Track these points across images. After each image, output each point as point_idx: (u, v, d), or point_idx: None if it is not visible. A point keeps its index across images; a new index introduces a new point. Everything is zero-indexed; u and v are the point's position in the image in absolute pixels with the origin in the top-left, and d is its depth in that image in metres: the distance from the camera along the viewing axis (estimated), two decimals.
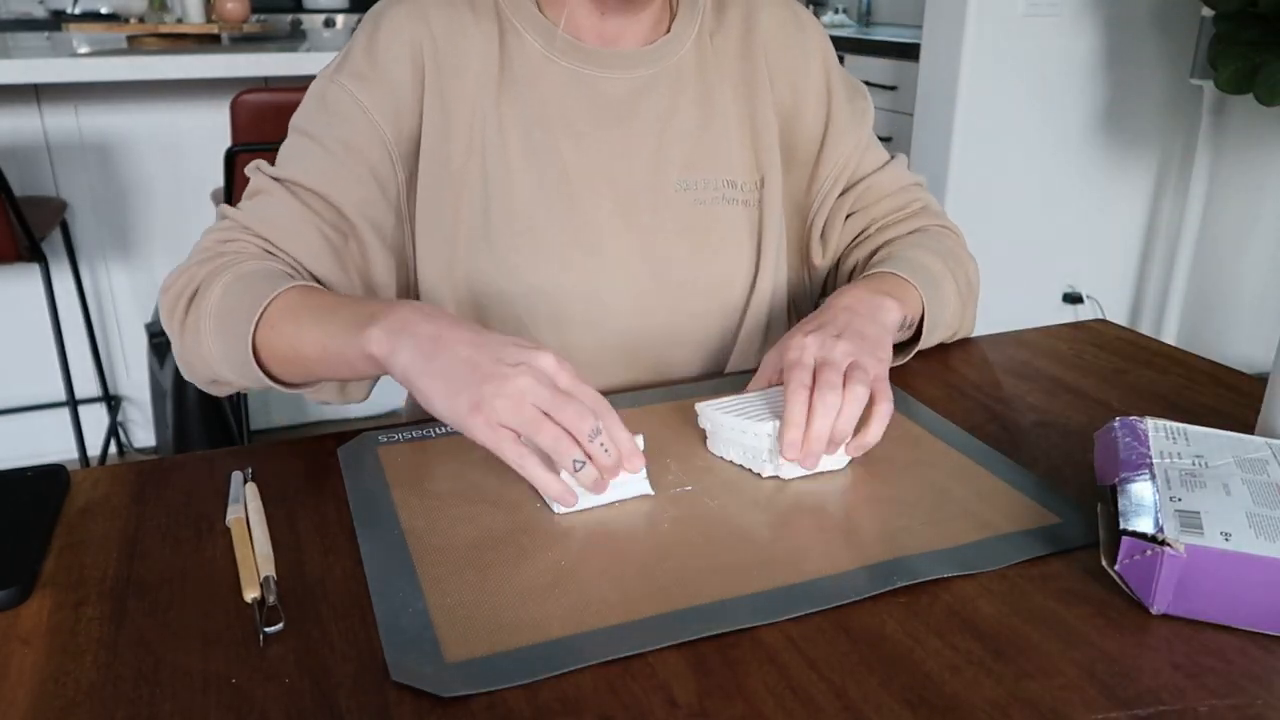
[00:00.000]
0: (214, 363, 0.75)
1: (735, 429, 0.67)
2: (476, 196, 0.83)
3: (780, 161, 0.91)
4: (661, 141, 0.86)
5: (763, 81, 0.90)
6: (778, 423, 0.65)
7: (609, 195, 0.85)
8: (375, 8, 0.84)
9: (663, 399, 0.80)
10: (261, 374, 0.72)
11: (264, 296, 0.71)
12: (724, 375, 0.88)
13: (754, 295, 0.91)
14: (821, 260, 0.96)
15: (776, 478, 0.67)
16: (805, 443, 0.64)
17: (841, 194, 0.94)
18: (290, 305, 0.71)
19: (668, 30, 0.88)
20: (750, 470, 0.68)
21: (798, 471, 0.67)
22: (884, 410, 0.67)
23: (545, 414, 0.59)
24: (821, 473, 0.67)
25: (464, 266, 0.85)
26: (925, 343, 0.85)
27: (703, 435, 0.71)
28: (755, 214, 0.90)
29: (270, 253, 0.79)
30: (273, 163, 0.83)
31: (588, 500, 0.63)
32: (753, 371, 0.78)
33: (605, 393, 0.82)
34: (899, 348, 0.83)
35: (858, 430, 0.66)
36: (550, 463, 0.60)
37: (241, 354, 0.71)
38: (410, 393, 0.88)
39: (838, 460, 0.68)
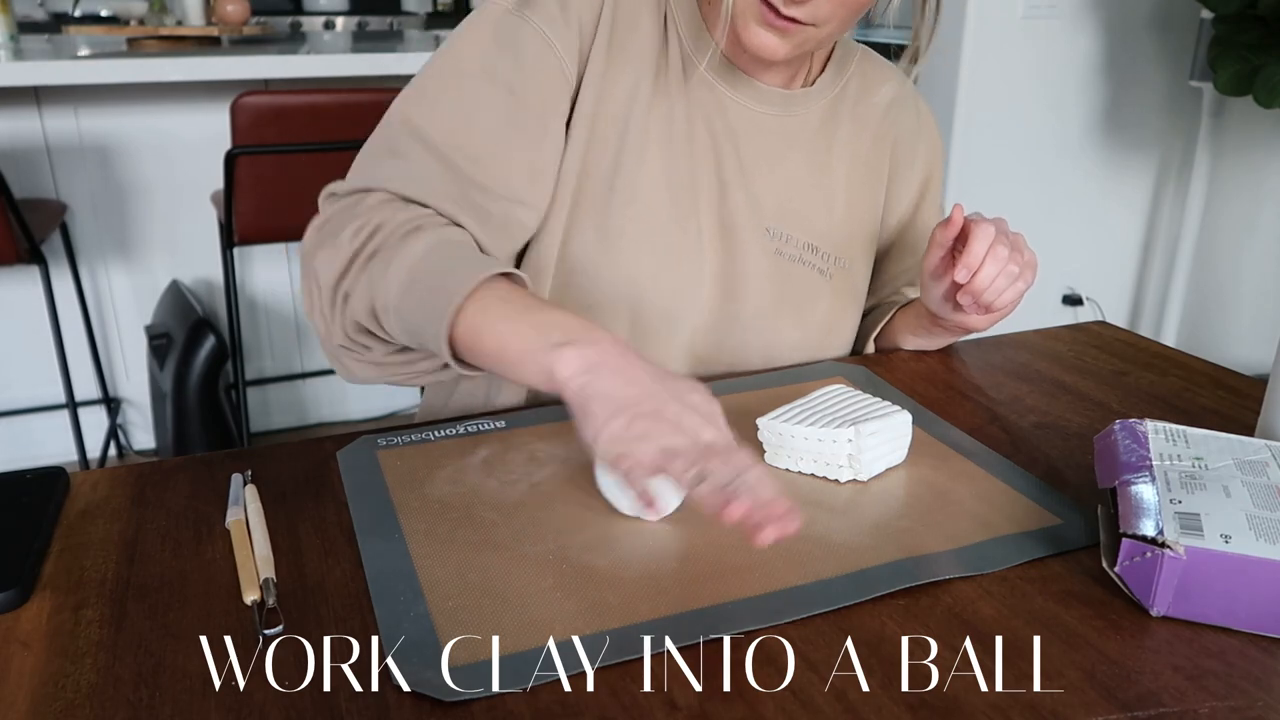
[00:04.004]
0: (382, 302, 0.68)
1: (811, 438, 0.67)
2: (606, 163, 0.82)
3: (866, 250, 0.94)
4: (767, 183, 0.87)
5: (882, 173, 0.94)
6: (856, 428, 0.66)
7: (711, 214, 0.85)
8: None
9: None
10: (447, 345, 0.65)
11: (474, 275, 0.65)
12: (723, 377, 0.88)
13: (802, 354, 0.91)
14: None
15: (855, 481, 0.67)
16: (973, 283, 0.78)
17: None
18: (486, 293, 0.65)
19: (813, 82, 0.89)
20: (825, 479, 0.67)
21: (874, 472, 0.67)
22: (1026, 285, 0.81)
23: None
24: (889, 469, 0.69)
25: (570, 229, 0.82)
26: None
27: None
28: (833, 289, 0.91)
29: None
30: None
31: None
32: (742, 374, 0.78)
33: None
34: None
35: None
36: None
37: (435, 320, 0.64)
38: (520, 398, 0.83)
39: (898, 455, 0.69)
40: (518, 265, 0.84)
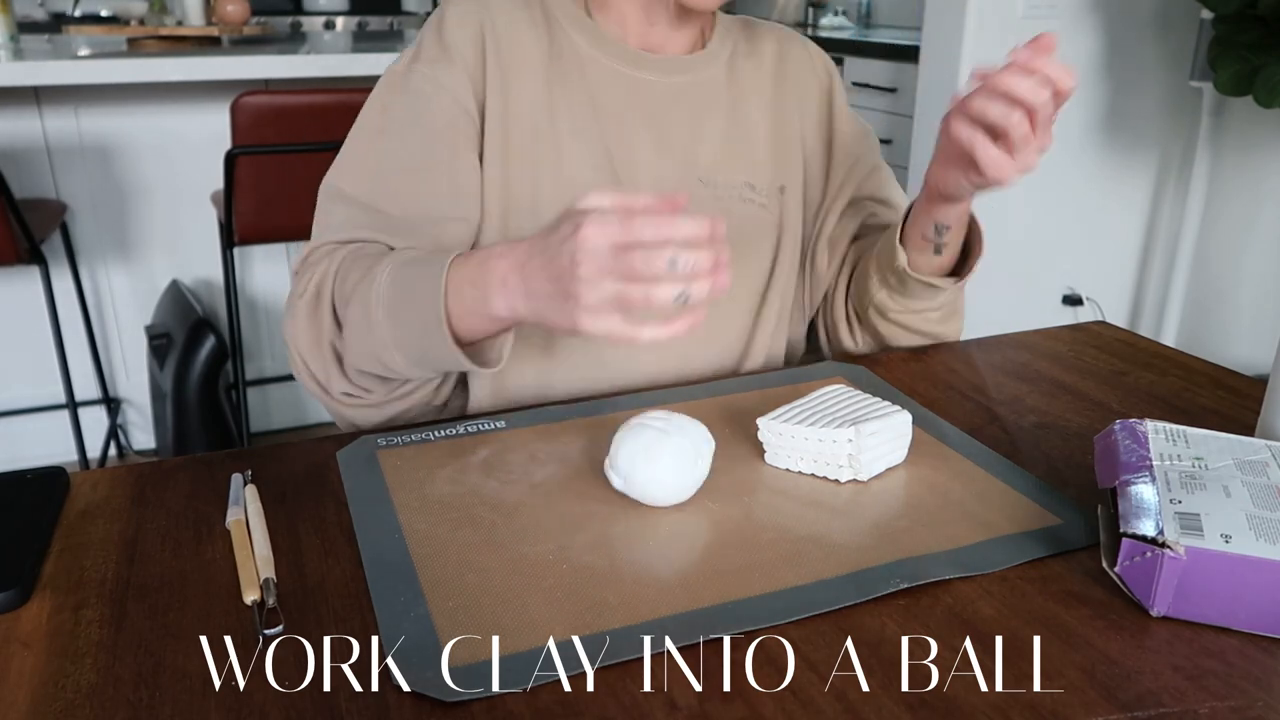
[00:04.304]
0: (381, 349, 0.74)
1: (811, 438, 0.67)
2: (528, 174, 0.86)
3: (802, 175, 0.97)
4: (690, 141, 0.91)
5: (791, 104, 0.96)
6: (856, 428, 0.66)
7: (645, 185, 0.89)
8: (439, 5, 0.88)
9: (683, 398, 0.80)
10: (453, 343, 0.70)
11: (434, 286, 0.70)
12: (738, 375, 0.88)
13: (769, 293, 0.94)
14: (827, 266, 0.97)
15: (855, 481, 0.67)
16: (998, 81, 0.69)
17: (850, 204, 0.97)
18: (453, 287, 0.71)
19: (703, 47, 0.94)
20: (825, 479, 0.68)
21: (874, 472, 0.67)
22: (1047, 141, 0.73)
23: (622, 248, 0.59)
24: (889, 469, 0.69)
25: (505, 233, 0.86)
26: (970, 268, 0.90)
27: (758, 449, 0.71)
28: (773, 219, 0.94)
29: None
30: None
31: (672, 495, 0.63)
32: (745, 374, 0.78)
33: (632, 390, 0.84)
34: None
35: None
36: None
37: (437, 343, 0.71)
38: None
39: (898, 455, 0.69)
40: None
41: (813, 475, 0.68)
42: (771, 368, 0.95)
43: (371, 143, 0.84)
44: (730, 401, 0.80)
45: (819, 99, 0.99)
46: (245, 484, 0.67)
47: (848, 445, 0.66)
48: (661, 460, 0.62)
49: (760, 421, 0.70)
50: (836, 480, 0.67)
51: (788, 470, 0.69)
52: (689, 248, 0.58)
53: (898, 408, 0.69)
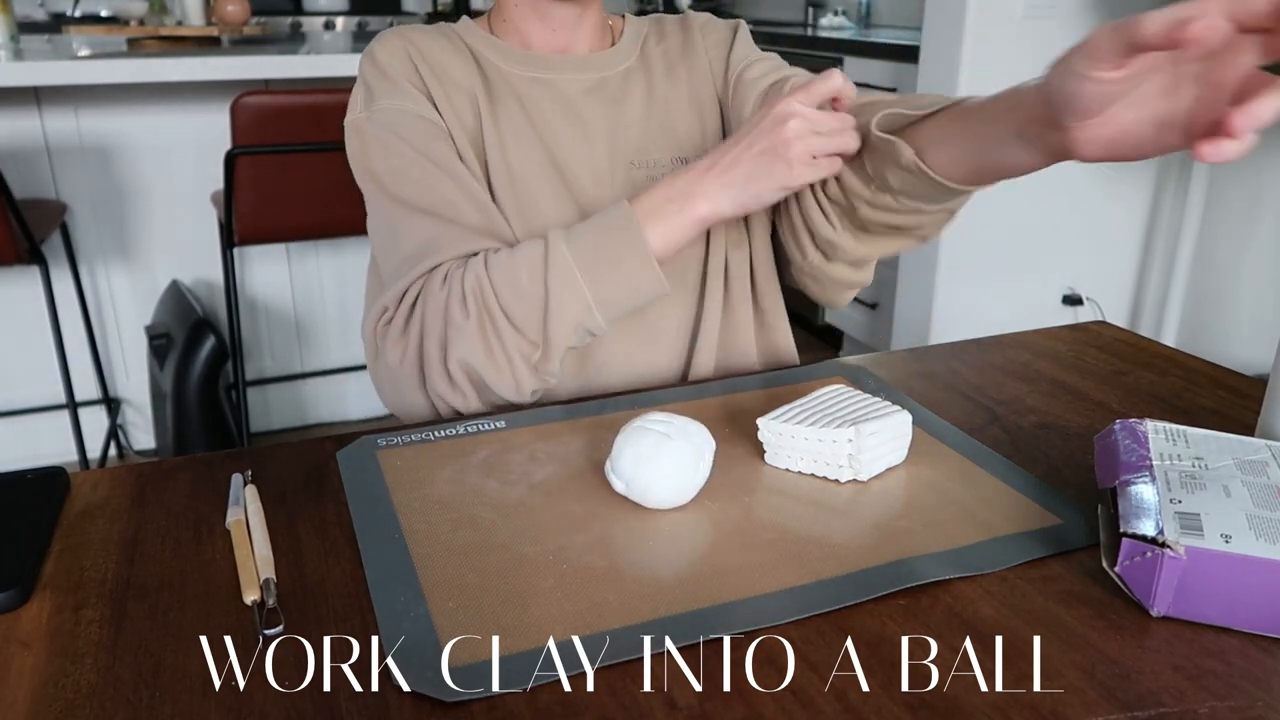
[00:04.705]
0: (583, 316, 0.79)
1: (811, 438, 0.67)
2: (486, 179, 0.90)
3: (723, 132, 0.99)
4: (614, 130, 0.94)
5: (703, 71, 1.00)
6: (856, 428, 0.66)
7: (584, 176, 0.92)
8: (364, 54, 0.93)
9: (683, 398, 0.80)
10: (659, 273, 0.79)
11: (625, 223, 0.80)
12: (696, 382, 0.89)
13: (709, 263, 0.94)
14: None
15: (855, 481, 0.67)
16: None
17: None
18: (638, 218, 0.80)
19: (613, 44, 0.99)
20: (825, 479, 0.68)
21: (874, 472, 0.67)
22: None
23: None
24: (889, 469, 0.69)
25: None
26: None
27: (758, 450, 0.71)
28: None
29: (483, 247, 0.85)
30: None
31: (673, 496, 0.63)
32: (713, 379, 0.78)
33: (631, 390, 0.85)
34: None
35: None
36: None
37: (640, 267, 0.79)
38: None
39: (898, 455, 0.69)
40: None
41: (813, 475, 0.68)
42: (767, 359, 0.95)
43: (401, 183, 0.86)
44: (730, 401, 0.80)
45: (725, 55, 1.01)
46: (245, 484, 0.67)
47: (848, 445, 0.66)
48: (663, 464, 0.62)
49: (760, 421, 0.70)
50: (836, 480, 0.67)
51: (788, 470, 0.69)
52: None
53: (898, 408, 0.69)
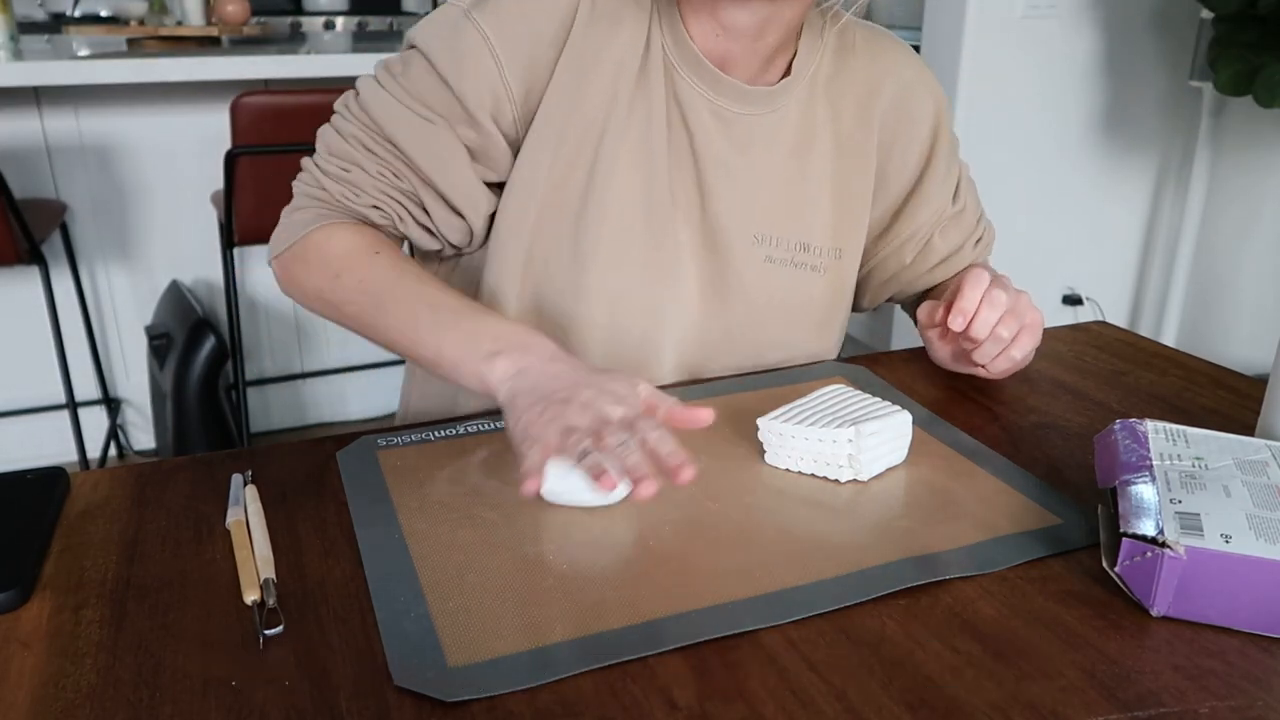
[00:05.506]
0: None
1: (811, 438, 0.67)
2: (580, 179, 0.81)
3: (861, 235, 0.90)
4: (751, 186, 0.84)
5: (869, 151, 0.88)
6: (856, 428, 0.66)
7: (692, 227, 0.84)
8: None
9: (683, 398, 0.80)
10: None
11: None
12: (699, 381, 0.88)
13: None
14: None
15: (855, 481, 0.67)
16: (971, 326, 0.75)
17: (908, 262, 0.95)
18: (406, 293, 0.76)
19: (788, 70, 0.85)
20: (826, 479, 0.68)
21: (874, 472, 0.67)
22: (1031, 340, 0.78)
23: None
24: (889, 469, 0.69)
25: (536, 244, 0.82)
26: None
27: (758, 449, 0.71)
28: (826, 282, 0.89)
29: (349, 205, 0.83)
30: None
31: (574, 496, 0.63)
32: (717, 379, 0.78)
33: None
34: None
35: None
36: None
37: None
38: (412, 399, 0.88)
39: (898, 455, 0.69)
40: (476, 294, 0.85)
41: (813, 475, 0.68)
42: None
43: (419, 90, 0.78)
44: (730, 401, 0.80)
45: (919, 162, 0.90)
46: (245, 484, 0.67)
47: (848, 445, 0.66)
48: (568, 471, 0.61)
49: (760, 421, 0.70)
50: (836, 480, 0.67)
51: (788, 470, 0.69)
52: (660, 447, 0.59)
53: (898, 408, 0.69)
